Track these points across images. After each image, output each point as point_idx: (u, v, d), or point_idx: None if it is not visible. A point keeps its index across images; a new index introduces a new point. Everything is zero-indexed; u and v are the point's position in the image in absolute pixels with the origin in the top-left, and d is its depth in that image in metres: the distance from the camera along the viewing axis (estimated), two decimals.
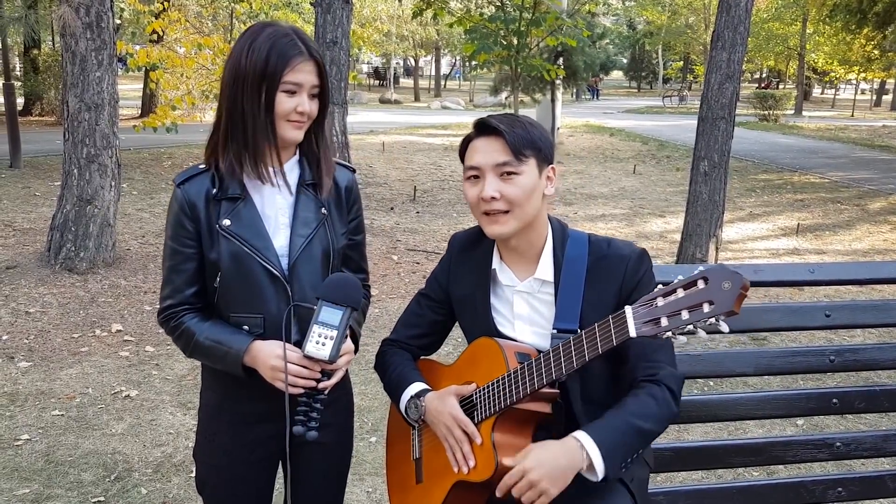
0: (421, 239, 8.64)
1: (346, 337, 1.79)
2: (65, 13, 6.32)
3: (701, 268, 1.54)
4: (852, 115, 33.79)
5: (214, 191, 1.84)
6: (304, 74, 1.79)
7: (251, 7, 13.15)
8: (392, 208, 10.42)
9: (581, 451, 1.65)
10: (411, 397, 1.92)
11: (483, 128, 1.84)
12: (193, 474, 3.54)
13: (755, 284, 2.24)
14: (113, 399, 4.35)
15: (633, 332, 1.58)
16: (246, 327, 1.85)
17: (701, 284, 1.51)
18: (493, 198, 1.78)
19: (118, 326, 5.49)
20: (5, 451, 3.73)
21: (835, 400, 2.22)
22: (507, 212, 1.80)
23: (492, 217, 1.82)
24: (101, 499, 3.35)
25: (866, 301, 2.29)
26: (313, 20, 8.61)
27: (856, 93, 40.48)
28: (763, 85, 46.13)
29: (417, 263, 7.59)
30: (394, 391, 1.99)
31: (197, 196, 1.84)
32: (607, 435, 1.67)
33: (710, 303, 1.48)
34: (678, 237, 8.24)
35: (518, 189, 1.79)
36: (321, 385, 1.78)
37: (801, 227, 9.69)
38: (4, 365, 4.77)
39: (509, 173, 1.79)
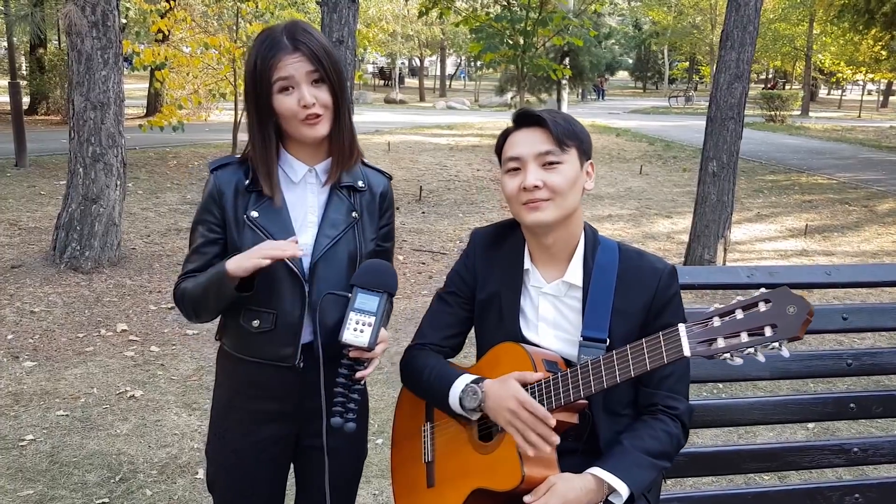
0: (427, 239, 8.61)
1: (383, 324, 1.74)
2: (70, 11, 6.30)
3: (763, 290, 1.49)
4: (859, 116, 33.67)
5: (247, 182, 1.84)
6: (291, 67, 1.74)
7: (257, 6, 13.13)
8: (398, 208, 10.39)
9: (602, 487, 1.66)
10: (467, 384, 1.77)
11: (524, 119, 1.79)
12: (199, 475, 3.53)
13: (770, 286, 2.20)
14: (118, 399, 4.32)
15: (687, 352, 1.53)
16: (256, 321, 1.83)
17: (763, 307, 1.47)
18: (535, 186, 1.72)
19: (123, 326, 5.47)
20: (10, 451, 3.70)
21: (852, 404, 2.18)
22: (548, 200, 1.74)
23: (532, 205, 1.75)
24: (106, 500, 3.32)
25: (884, 304, 2.25)
26: (319, 19, 8.59)
27: (862, 94, 40.35)
28: (769, 86, 46.04)
29: (423, 264, 7.56)
30: (436, 389, 1.84)
31: (227, 185, 1.84)
32: (632, 474, 1.67)
33: (773, 327, 1.44)
34: (685, 238, 8.19)
35: (561, 177, 1.74)
36: (358, 375, 1.74)
37: (809, 228, 9.64)
38: (9, 364, 4.75)
39: (552, 163, 1.74)
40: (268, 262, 1.69)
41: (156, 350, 5.08)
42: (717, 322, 1.51)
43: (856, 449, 2.19)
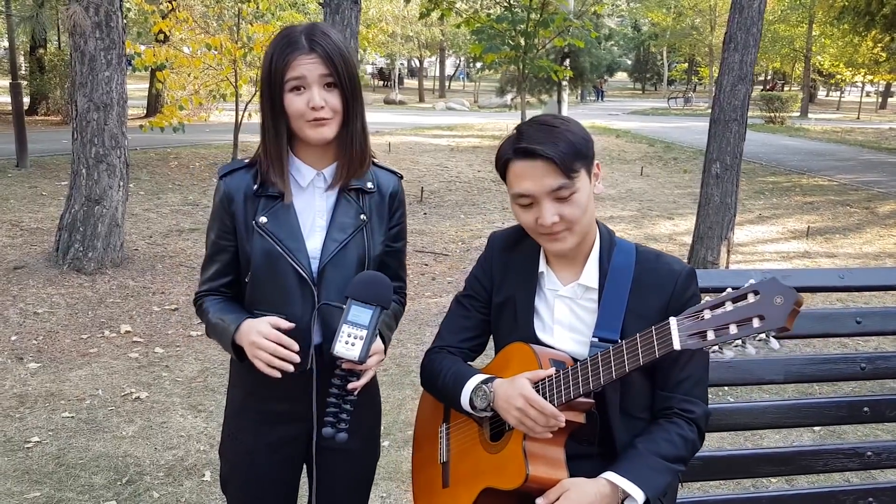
0: (429, 240, 8.60)
1: (377, 337, 1.75)
2: (75, 12, 6.29)
3: (752, 280, 1.48)
4: (858, 118, 33.70)
5: (255, 187, 1.84)
6: (304, 67, 1.74)
7: (257, 7, 13.12)
8: None
9: (616, 492, 1.65)
10: (478, 384, 1.77)
11: (525, 153, 1.70)
12: (206, 478, 3.53)
13: None
14: (123, 401, 4.32)
15: (677, 345, 1.52)
16: None
17: (751, 298, 1.45)
18: (553, 223, 1.70)
19: (127, 327, 5.46)
20: (16, 453, 3.70)
21: (866, 408, 2.18)
22: (566, 230, 1.73)
23: (552, 236, 1.73)
24: (113, 503, 3.32)
25: None
26: (318, 21, 8.58)
27: (861, 95, 40.40)
28: (768, 87, 46.09)
29: (426, 265, 7.55)
30: (451, 389, 1.84)
31: (236, 190, 1.84)
32: (647, 479, 1.66)
33: (761, 318, 1.43)
34: (687, 239, 8.19)
35: (576, 208, 1.70)
36: (350, 386, 1.74)
37: (811, 230, 9.64)
38: (14, 366, 4.74)
39: (565, 195, 1.69)
40: (264, 367, 1.74)
41: (160, 351, 5.07)
42: (707, 315, 1.50)
43: (869, 453, 2.19)
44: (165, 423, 4.06)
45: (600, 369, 1.63)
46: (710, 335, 1.49)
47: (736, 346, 1.48)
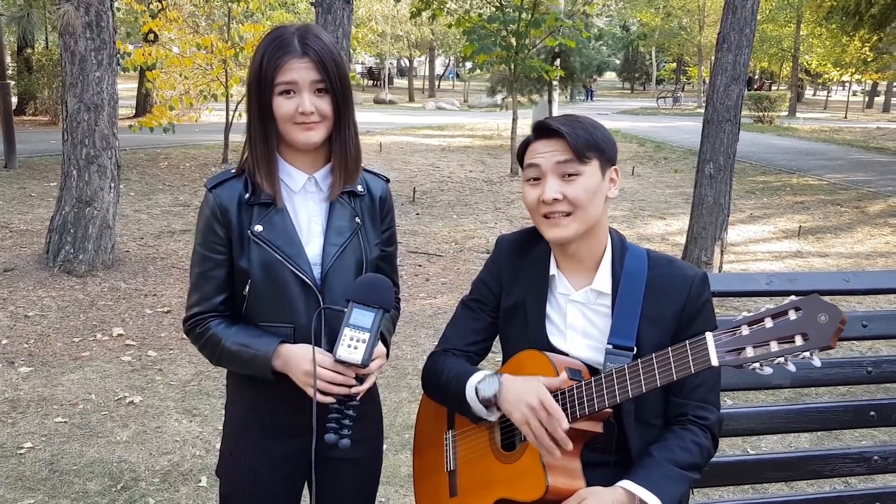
0: (422, 241, 8.57)
1: (379, 340, 1.72)
2: (67, 12, 6.22)
3: (793, 297, 1.47)
4: (845, 117, 33.88)
5: (247, 195, 1.79)
6: (296, 72, 1.70)
7: (248, 7, 13.08)
8: None
9: (633, 501, 1.63)
10: (485, 376, 1.74)
11: (543, 130, 1.75)
12: (202, 483, 3.49)
13: (790, 293, 2.18)
14: (116, 405, 4.27)
15: (714, 361, 1.50)
16: None
17: (793, 315, 1.44)
18: (554, 199, 1.70)
19: (119, 330, 5.41)
20: (8, 459, 3.64)
21: (872, 413, 2.17)
22: (568, 214, 1.71)
23: (552, 220, 1.72)
24: None
25: None
26: (309, 21, 8.54)
27: (848, 94, 40.61)
28: (756, 87, 46.28)
29: (419, 266, 7.52)
30: (453, 385, 1.81)
31: (229, 201, 1.78)
32: (663, 487, 1.64)
33: (804, 336, 1.41)
34: (679, 239, 8.20)
35: (580, 190, 1.70)
36: (353, 390, 1.71)
37: (803, 229, 9.67)
38: (5, 370, 4.68)
39: (571, 174, 1.71)
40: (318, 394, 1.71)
41: (153, 355, 5.02)
42: (745, 331, 1.48)
43: (876, 457, 2.18)
44: (160, 428, 4.02)
45: (628, 382, 1.61)
46: (749, 351, 1.47)
47: (777, 363, 1.46)
